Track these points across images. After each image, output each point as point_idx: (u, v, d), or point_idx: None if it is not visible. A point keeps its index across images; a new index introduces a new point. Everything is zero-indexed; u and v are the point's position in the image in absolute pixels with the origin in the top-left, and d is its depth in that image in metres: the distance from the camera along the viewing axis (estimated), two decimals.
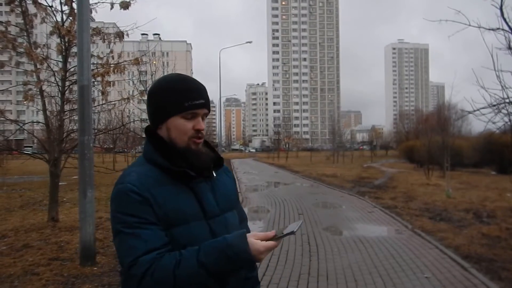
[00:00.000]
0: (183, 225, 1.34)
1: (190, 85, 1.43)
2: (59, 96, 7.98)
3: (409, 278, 5.09)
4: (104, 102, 8.83)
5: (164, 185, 1.36)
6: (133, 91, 12.93)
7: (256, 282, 1.54)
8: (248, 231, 1.54)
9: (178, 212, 1.34)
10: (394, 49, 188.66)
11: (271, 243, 1.29)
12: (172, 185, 1.37)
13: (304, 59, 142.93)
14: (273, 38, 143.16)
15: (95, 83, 8.04)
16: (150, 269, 1.22)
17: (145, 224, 1.28)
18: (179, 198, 1.36)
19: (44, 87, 8.03)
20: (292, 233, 1.28)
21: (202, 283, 1.24)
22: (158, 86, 1.44)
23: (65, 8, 7.86)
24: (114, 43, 8.21)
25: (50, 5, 8.01)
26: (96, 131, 9.52)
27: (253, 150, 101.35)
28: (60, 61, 8.01)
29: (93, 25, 7.19)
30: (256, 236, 1.31)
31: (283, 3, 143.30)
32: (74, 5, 7.51)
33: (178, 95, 1.39)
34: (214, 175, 1.49)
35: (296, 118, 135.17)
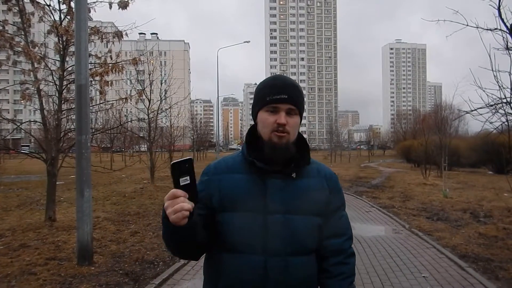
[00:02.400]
0: (234, 212, 1.43)
1: (276, 81, 1.49)
2: (57, 95, 7.95)
3: (406, 278, 5.11)
4: (102, 101, 8.81)
5: (234, 173, 1.49)
6: (131, 90, 12.96)
7: None
8: (345, 251, 1.54)
9: (233, 198, 1.44)
10: (391, 49, 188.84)
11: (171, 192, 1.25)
12: (246, 174, 1.47)
13: (302, 59, 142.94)
14: (271, 37, 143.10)
15: (93, 82, 8.02)
16: None
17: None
18: (243, 187, 1.45)
19: (41, 86, 8.00)
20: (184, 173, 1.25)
21: (168, 240, 1.38)
22: (256, 86, 1.56)
23: (63, 7, 7.85)
24: (113, 42, 8.19)
25: (48, 4, 8.00)
26: (93, 130, 9.49)
27: None
28: (58, 60, 7.98)
29: (91, 24, 7.17)
30: None
31: (281, 2, 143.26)
32: (72, 4, 7.49)
33: (263, 91, 1.49)
34: (294, 175, 1.47)
35: None
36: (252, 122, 1.58)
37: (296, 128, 1.49)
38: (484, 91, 6.57)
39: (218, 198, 1.45)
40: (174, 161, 1.25)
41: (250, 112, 1.59)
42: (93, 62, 8.03)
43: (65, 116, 8.49)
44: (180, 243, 1.36)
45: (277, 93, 1.44)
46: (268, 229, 1.40)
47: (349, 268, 1.54)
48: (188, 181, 1.25)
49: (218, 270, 1.45)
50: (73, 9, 6.60)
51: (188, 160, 1.26)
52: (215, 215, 1.46)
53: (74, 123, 6.42)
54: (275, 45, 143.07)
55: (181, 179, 1.24)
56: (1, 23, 7.73)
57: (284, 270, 1.40)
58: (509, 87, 6.31)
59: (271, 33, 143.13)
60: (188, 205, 1.23)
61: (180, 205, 1.22)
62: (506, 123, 6.98)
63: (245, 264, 1.40)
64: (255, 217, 1.41)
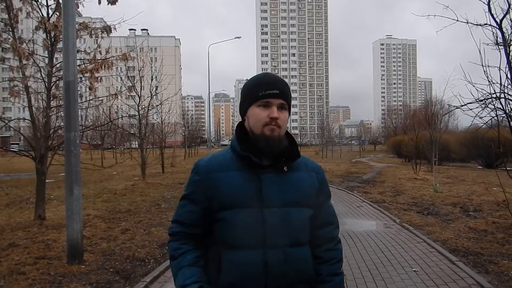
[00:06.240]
0: (232, 210, 1.45)
1: (267, 78, 1.55)
2: (45, 92, 7.85)
3: (397, 272, 5.14)
4: (91, 98, 8.71)
5: (228, 171, 1.50)
6: (121, 86, 12.85)
7: None
8: (331, 237, 1.64)
9: (231, 197, 1.46)
10: (382, 44, 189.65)
11: None
12: (240, 171, 1.49)
13: (293, 55, 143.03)
14: (262, 33, 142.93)
15: (82, 78, 7.92)
16: (172, 236, 1.57)
17: (187, 200, 1.56)
18: (239, 184, 1.47)
19: (30, 83, 7.90)
20: None
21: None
22: (244, 83, 1.61)
23: (51, 2, 7.75)
24: (102, 38, 8.10)
25: None
26: (83, 127, 9.40)
27: None
28: (46, 57, 7.87)
29: (80, 20, 7.09)
30: None
31: None
32: (60, 0, 7.39)
33: (255, 87, 1.53)
34: (285, 168, 1.52)
35: None
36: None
37: (286, 123, 1.55)
38: (474, 86, 6.62)
39: (216, 198, 1.47)
40: None
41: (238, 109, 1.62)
42: (82, 58, 7.93)
43: (55, 113, 8.39)
44: None
45: (269, 89, 1.49)
46: (266, 223, 1.44)
47: (339, 253, 1.65)
48: None
49: (217, 266, 1.47)
50: (61, 5, 6.51)
51: None
52: (213, 213, 1.48)
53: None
54: (266, 40, 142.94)
55: None
56: None
57: (284, 262, 1.44)
58: (499, 82, 6.37)
59: (262, 29, 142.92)
60: None
61: None
62: (495, 118, 7.05)
63: (246, 259, 1.43)
64: (253, 212, 1.44)
